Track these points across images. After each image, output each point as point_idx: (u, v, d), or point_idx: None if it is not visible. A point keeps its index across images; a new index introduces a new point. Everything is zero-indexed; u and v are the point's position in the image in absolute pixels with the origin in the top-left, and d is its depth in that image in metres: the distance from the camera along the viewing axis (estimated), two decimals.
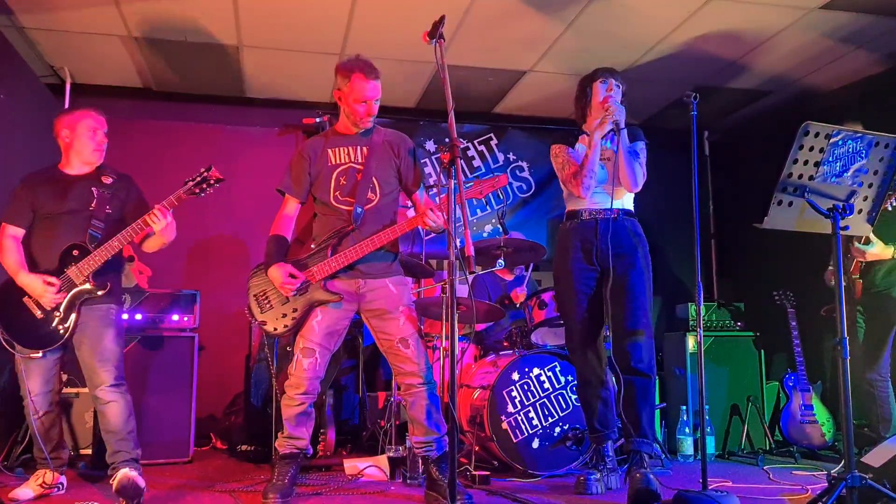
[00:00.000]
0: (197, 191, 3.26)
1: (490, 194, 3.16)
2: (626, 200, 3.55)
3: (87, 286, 3.19)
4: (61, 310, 3.17)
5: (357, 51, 3.35)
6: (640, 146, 3.53)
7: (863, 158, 2.71)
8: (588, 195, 3.46)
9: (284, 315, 3.24)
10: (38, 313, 3.17)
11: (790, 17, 4.32)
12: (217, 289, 5.27)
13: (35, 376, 3.23)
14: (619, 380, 3.35)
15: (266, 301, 3.29)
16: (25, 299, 3.17)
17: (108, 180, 3.35)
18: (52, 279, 3.14)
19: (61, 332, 3.17)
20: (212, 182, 3.28)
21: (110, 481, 3.16)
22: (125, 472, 3.12)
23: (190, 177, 3.27)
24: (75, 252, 3.18)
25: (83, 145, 3.32)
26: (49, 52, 4.83)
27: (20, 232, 3.27)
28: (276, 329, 3.26)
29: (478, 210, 5.96)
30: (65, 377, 4.02)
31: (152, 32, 4.57)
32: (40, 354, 3.18)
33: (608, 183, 3.45)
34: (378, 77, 3.23)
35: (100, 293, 3.21)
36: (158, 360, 4.24)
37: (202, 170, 3.30)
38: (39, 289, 3.12)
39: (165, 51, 4.84)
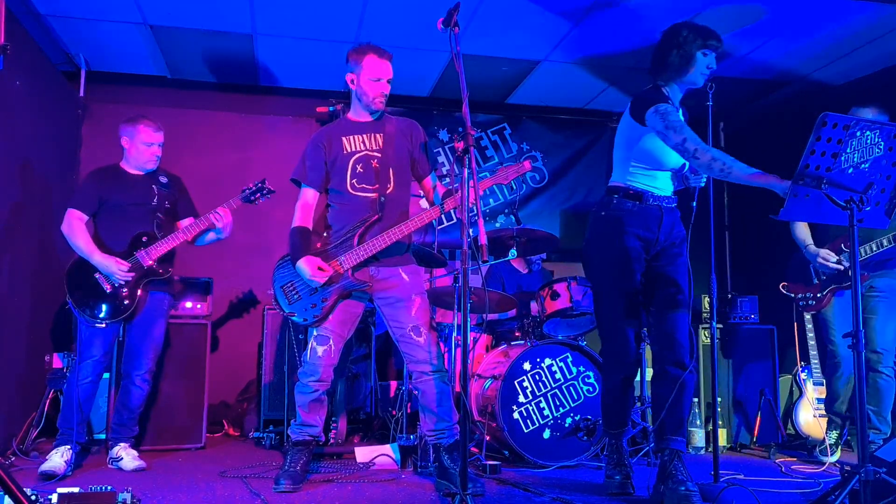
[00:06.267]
0: (252, 199, 3.77)
1: (513, 181, 3.21)
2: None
3: (154, 267, 3.62)
4: (128, 287, 3.58)
5: (371, 39, 3.37)
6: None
7: (881, 150, 2.68)
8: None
9: (314, 305, 3.26)
10: (108, 288, 3.56)
11: (808, 7, 4.27)
12: (230, 276, 5.28)
13: (97, 343, 3.59)
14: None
15: (294, 292, 3.30)
16: (96, 275, 3.56)
17: (164, 179, 3.83)
18: (123, 261, 3.55)
19: (126, 305, 3.58)
20: (265, 193, 3.78)
21: (113, 447, 3.65)
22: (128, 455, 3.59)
23: (246, 185, 3.76)
24: (144, 238, 3.63)
25: (139, 155, 3.75)
26: (65, 39, 4.84)
27: (85, 218, 3.65)
28: (305, 320, 3.28)
29: (490, 200, 5.95)
30: None
31: (167, 20, 4.58)
32: (104, 325, 3.56)
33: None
34: (391, 59, 3.28)
35: (164, 275, 3.67)
36: (172, 346, 4.26)
37: (258, 182, 3.77)
38: (113, 268, 3.52)
39: (180, 39, 4.84)
